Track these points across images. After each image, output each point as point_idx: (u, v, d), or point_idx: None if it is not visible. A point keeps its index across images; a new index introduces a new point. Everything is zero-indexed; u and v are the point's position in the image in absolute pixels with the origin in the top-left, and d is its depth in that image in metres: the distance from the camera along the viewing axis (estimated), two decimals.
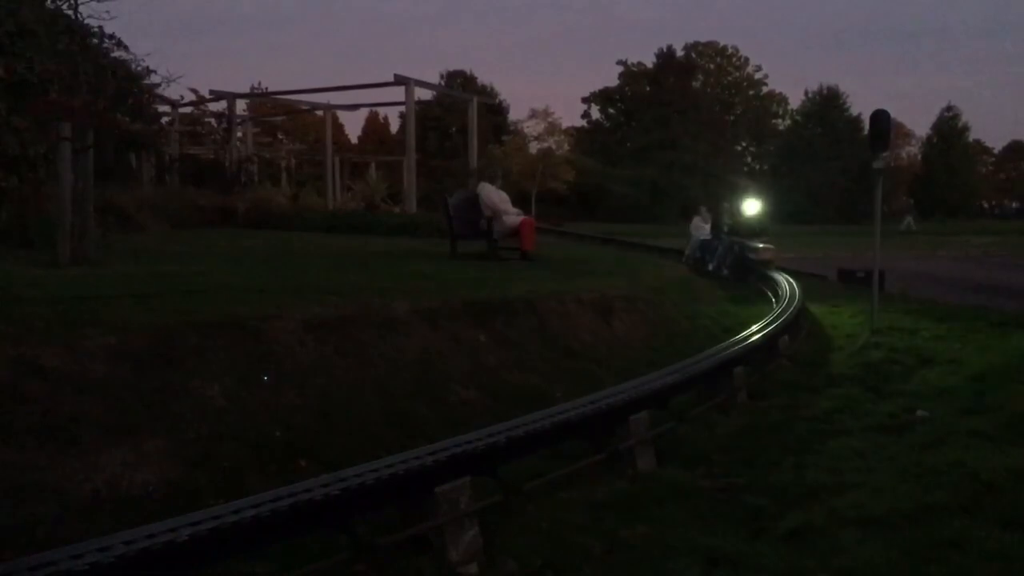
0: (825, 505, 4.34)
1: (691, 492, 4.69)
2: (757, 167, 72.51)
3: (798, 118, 72.59)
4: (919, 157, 79.35)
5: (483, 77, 61.92)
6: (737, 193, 20.28)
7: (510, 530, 4.05)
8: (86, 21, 10.06)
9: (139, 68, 12.74)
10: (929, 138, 76.54)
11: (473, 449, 4.05)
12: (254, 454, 4.34)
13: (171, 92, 19.25)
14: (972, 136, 77.68)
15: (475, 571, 3.69)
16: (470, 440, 4.15)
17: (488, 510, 3.98)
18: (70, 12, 9.81)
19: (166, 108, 22.83)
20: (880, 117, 10.34)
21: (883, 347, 9.01)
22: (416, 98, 24.22)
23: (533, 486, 4.42)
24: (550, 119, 56.39)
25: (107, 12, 11.33)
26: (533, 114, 56.52)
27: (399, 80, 22.47)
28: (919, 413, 6.20)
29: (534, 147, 55.78)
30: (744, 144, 75.67)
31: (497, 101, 58.60)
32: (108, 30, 11.50)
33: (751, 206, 18.39)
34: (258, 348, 5.15)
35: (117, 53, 12.06)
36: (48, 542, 3.22)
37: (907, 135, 79.64)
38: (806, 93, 71.78)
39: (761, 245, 15.50)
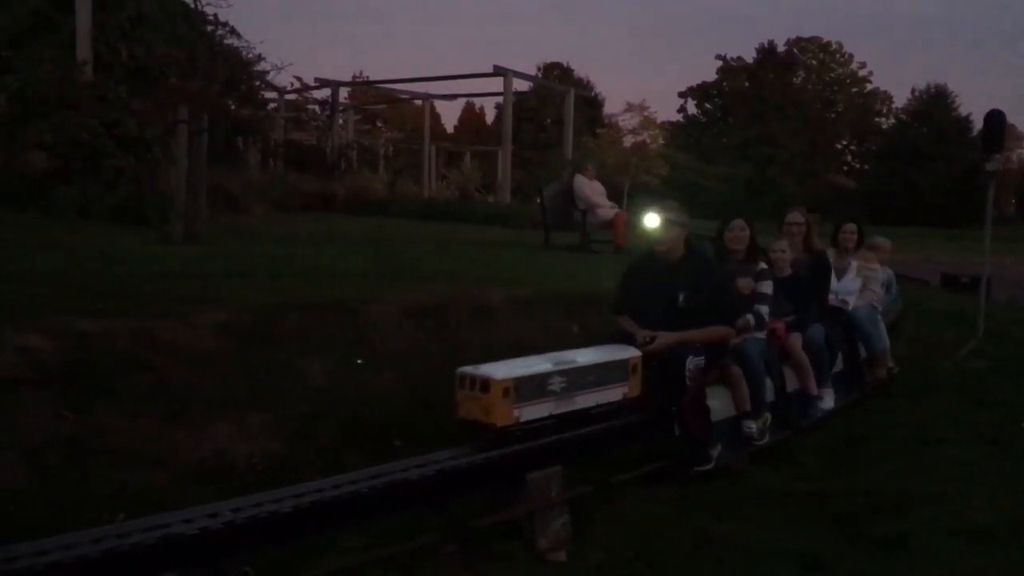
0: (922, 514, 4.23)
1: (784, 494, 4.63)
2: (858, 166, 70.37)
3: (903, 117, 70.08)
4: None
5: (580, 70, 61.40)
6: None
7: (599, 521, 4.08)
8: (203, 9, 10.43)
9: (250, 56, 13.14)
10: None
11: (565, 440, 4.08)
12: (351, 432, 4.47)
13: (278, 79, 19.80)
14: None
15: (563, 559, 3.73)
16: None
17: (578, 501, 4.00)
18: (188, 0, 10.19)
19: (273, 95, 23.44)
20: (995, 117, 9.98)
21: (988, 355, 8.68)
22: (513, 89, 24.23)
23: (623, 479, 4.44)
24: (645, 113, 55.68)
25: (224, 0, 11.68)
26: (628, 107, 55.70)
27: (497, 71, 22.54)
28: (1023, 425, 5.98)
29: (628, 141, 55.26)
30: (844, 143, 73.47)
31: (593, 94, 58.12)
32: (222, 18, 11.92)
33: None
34: (357, 330, 5.28)
35: (230, 40, 12.49)
36: (159, 506, 3.37)
37: (1019, 137, 76.15)
38: (912, 91, 69.23)
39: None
